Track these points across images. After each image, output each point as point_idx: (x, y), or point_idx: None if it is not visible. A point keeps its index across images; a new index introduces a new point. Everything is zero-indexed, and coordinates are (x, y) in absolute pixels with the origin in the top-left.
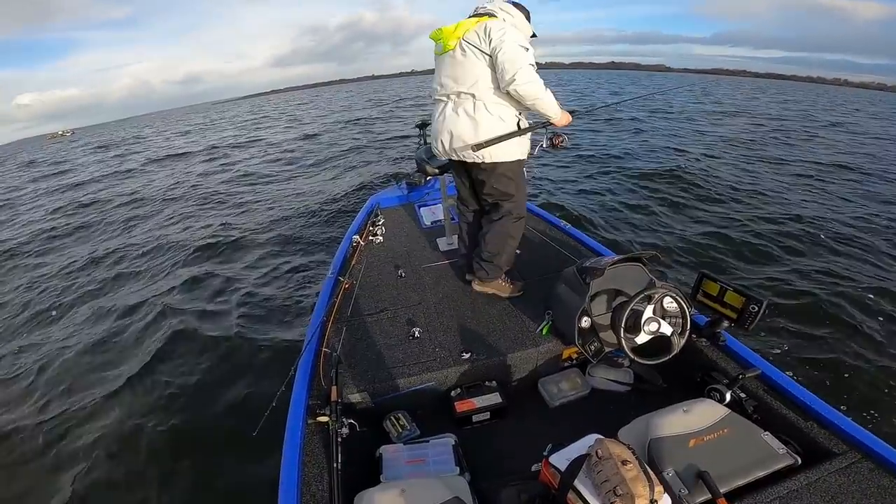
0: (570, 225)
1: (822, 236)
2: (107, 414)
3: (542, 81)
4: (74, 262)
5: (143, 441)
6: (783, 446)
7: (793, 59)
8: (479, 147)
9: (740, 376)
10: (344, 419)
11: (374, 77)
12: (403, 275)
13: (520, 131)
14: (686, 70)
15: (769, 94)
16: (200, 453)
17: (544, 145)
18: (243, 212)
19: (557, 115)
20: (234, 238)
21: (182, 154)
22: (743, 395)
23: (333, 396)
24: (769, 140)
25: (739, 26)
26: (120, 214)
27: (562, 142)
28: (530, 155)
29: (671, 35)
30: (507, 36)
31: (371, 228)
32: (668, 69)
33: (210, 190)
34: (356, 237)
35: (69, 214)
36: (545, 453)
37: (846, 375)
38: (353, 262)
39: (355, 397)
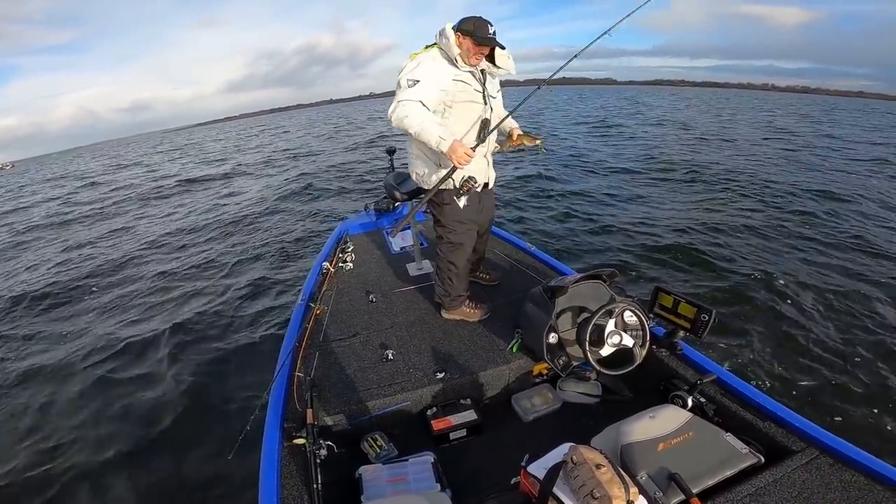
0: (534, 247)
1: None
2: (76, 449)
3: (416, 115)
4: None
5: (115, 466)
6: (745, 446)
7: (726, 66)
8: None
9: (698, 382)
10: (322, 441)
11: (331, 101)
12: (374, 300)
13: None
14: (631, 82)
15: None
16: (174, 477)
17: (454, 185)
18: (205, 240)
19: (435, 145)
20: (196, 264)
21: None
22: (703, 399)
23: (309, 419)
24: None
25: (677, 37)
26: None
27: (468, 186)
28: (463, 189)
29: (617, 49)
30: (402, 73)
31: (340, 255)
32: (615, 82)
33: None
34: (326, 264)
35: None
36: (522, 464)
37: (797, 375)
38: (324, 289)
39: (331, 420)
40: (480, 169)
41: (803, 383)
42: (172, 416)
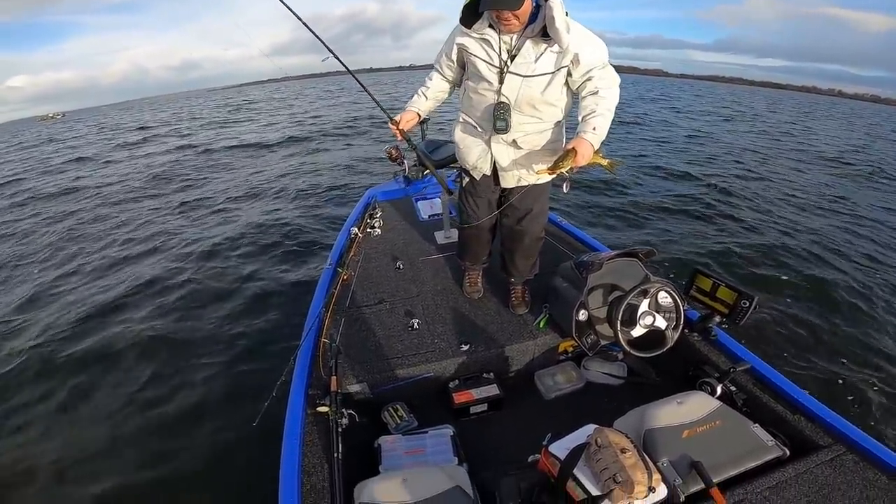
0: (565, 220)
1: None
2: (101, 408)
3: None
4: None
5: (142, 431)
6: (772, 438)
7: (792, 68)
8: None
9: (731, 370)
10: (344, 410)
11: (371, 70)
12: (401, 267)
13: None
14: (683, 76)
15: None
16: (200, 441)
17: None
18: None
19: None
20: (227, 227)
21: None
22: (733, 388)
23: (333, 387)
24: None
25: (741, 33)
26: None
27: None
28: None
29: (672, 40)
30: None
31: (369, 221)
32: (666, 74)
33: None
34: (354, 229)
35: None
36: (544, 442)
37: (834, 371)
38: (351, 254)
39: (354, 388)
40: (479, 155)
41: (840, 378)
42: (202, 377)
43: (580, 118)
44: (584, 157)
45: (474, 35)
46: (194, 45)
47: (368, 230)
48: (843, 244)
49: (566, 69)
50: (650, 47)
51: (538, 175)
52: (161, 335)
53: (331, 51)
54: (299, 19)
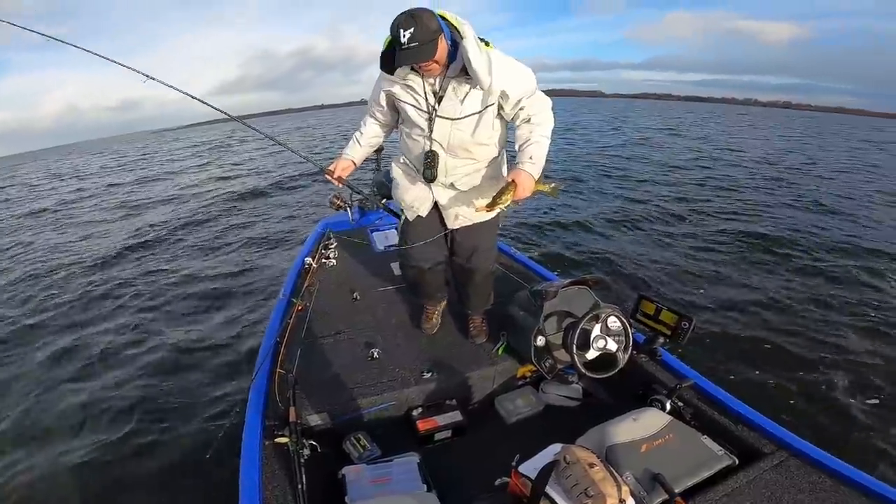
0: (517, 251)
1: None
2: (48, 449)
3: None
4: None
5: (88, 468)
6: (721, 448)
7: (712, 81)
8: None
9: (677, 386)
10: (304, 440)
11: (322, 106)
12: (358, 298)
13: None
14: (618, 95)
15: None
16: (150, 476)
17: None
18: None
19: None
20: (169, 256)
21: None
22: (680, 403)
23: (292, 417)
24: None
25: (667, 51)
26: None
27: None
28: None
29: (607, 62)
30: None
31: (323, 251)
32: (603, 95)
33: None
34: (308, 259)
35: None
36: (513, 464)
37: (770, 382)
38: (306, 285)
39: (314, 418)
40: (416, 196)
41: (775, 388)
42: (144, 414)
43: (517, 147)
44: (525, 188)
45: (398, 81)
46: (133, 85)
47: (323, 261)
48: (763, 258)
49: (494, 105)
50: (587, 70)
51: (480, 213)
52: (97, 370)
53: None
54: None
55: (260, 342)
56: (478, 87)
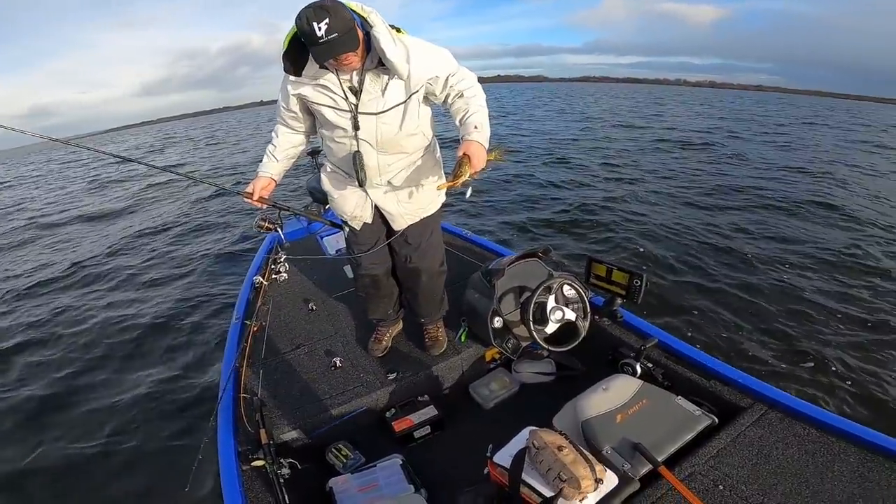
0: (470, 232)
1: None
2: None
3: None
4: None
5: None
6: (697, 408)
7: (646, 63)
8: None
9: (643, 347)
10: (282, 460)
11: (261, 103)
12: (314, 308)
13: None
14: (562, 79)
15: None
16: None
17: None
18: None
19: None
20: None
21: None
22: (650, 364)
23: (264, 439)
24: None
25: (604, 35)
26: None
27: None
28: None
29: (550, 46)
30: None
31: (273, 267)
32: (547, 79)
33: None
34: (258, 278)
35: None
36: (488, 454)
37: (739, 333)
38: (259, 304)
39: (288, 436)
40: (356, 204)
41: (743, 341)
42: (108, 465)
43: (457, 122)
44: (479, 157)
45: (308, 82)
46: (44, 90)
47: (274, 276)
48: (706, 216)
49: (419, 93)
50: (531, 55)
51: (428, 206)
52: (51, 415)
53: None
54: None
55: (220, 370)
56: (396, 76)
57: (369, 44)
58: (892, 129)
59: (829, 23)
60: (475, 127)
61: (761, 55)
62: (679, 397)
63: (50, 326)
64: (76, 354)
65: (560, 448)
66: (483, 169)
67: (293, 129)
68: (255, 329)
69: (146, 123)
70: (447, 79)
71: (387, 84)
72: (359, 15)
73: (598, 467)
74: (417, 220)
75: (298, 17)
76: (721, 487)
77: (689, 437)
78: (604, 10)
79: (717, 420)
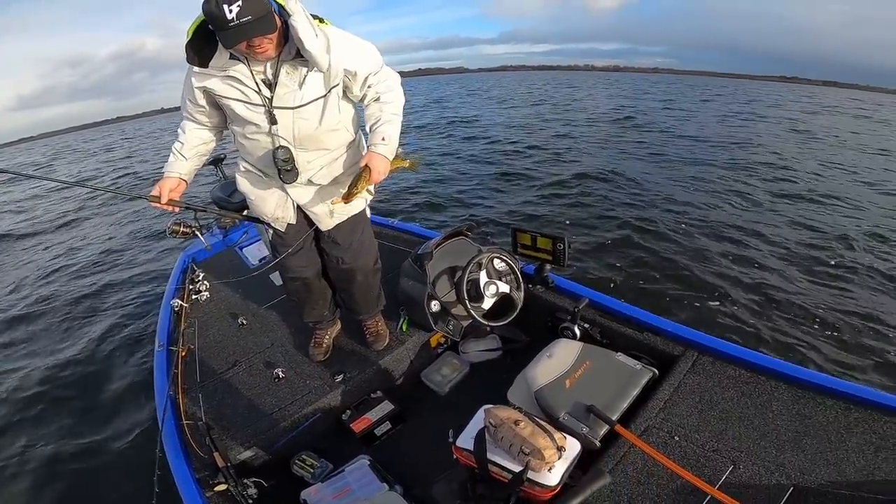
0: (397, 221)
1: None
2: None
3: (177, 136)
4: None
5: None
6: (637, 362)
7: (559, 50)
8: None
9: (576, 309)
10: (245, 480)
11: (162, 110)
12: (245, 322)
13: None
14: (481, 70)
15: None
16: None
17: None
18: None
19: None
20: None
21: None
22: (586, 325)
23: (220, 462)
24: None
25: (519, 24)
26: None
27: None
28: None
29: (467, 38)
30: None
31: (192, 287)
32: (467, 70)
33: None
34: (176, 301)
35: None
36: (450, 439)
37: (659, 284)
38: (183, 327)
39: (245, 455)
40: (276, 204)
41: (664, 290)
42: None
43: (367, 128)
44: (379, 171)
45: (215, 74)
46: None
47: (194, 297)
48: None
49: (339, 87)
50: (451, 47)
51: (355, 204)
52: None
53: None
54: None
55: (150, 402)
56: (314, 69)
57: (287, 34)
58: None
59: (721, 7)
60: (382, 139)
61: (656, 40)
62: (619, 354)
63: None
64: None
65: (517, 422)
66: (383, 179)
67: (201, 125)
68: (184, 353)
69: (25, 140)
70: (367, 77)
71: (304, 77)
72: (276, 2)
73: (557, 435)
74: (345, 218)
75: (206, 1)
76: (677, 438)
77: (635, 392)
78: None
79: (657, 372)
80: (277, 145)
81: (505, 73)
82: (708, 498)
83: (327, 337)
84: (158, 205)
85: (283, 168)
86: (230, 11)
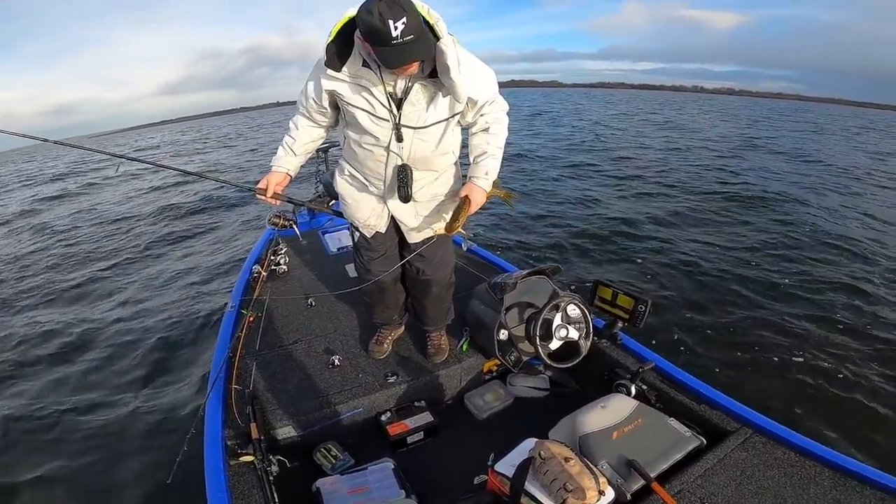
0: (474, 244)
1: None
2: None
3: (288, 127)
4: None
5: None
6: (688, 429)
7: (663, 69)
8: None
9: (640, 370)
10: (271, 457)
11: (278, 104)
12: (313, 304)
13: None
14: (576, 85)
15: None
16: None
17: None
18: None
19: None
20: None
21: None
22: (644, 386)
23: (254, 434)
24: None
25: (620, 41)
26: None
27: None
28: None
29: (565, 52)
30: None
31: (272, 258)
32: (561, 84)
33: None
34: (256, 267)
35: None
36: (489, 463)
37: (726, 361)
38: (256, 294)
39: (279, 432)
40: (371, 212)
41: (733, 369)
42: (90, 441)
43: (471, 158)
44: (478, 204)
45: (346, 79)
46: (71, 86)
47: (273, 268)
48: (721, 241)
49: (460, 113)
50: (546, 60)
51: (440, 226)
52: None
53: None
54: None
55: (210, 358)
56: (444, 92)
57: None
58: None
59: (848, 29)
60: (485, 173)
61: (780, 62)
62: (671, 419)
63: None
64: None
65: (567, 459)
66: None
67: (316, 124)
68: (251, 319)
69: (166, 123)
70: (483, 105)
71: (433, 98)
72: (426, 20)
73: (602, 479)
74: (433, 235)
75: (368, 11)
76: None
77: (679, 456)
78: (623, 16)
79: (705, 441)
80: (396, 164)
81: (601, 90)
82: None
83: (390, 337)
84: (264, 198)
85: (402, 186)
86: (395, 28)
